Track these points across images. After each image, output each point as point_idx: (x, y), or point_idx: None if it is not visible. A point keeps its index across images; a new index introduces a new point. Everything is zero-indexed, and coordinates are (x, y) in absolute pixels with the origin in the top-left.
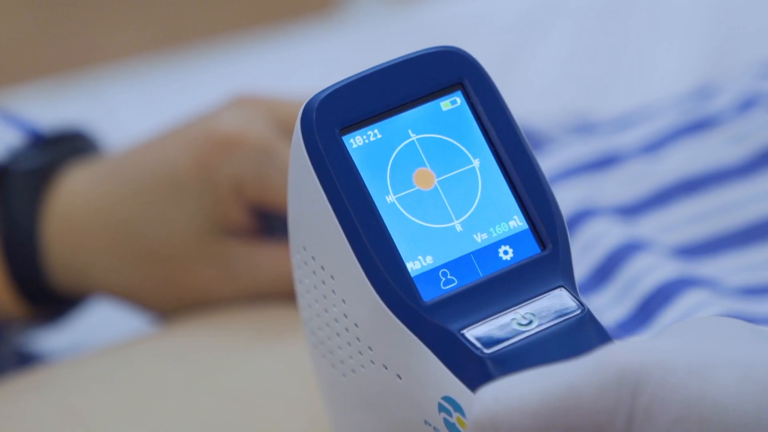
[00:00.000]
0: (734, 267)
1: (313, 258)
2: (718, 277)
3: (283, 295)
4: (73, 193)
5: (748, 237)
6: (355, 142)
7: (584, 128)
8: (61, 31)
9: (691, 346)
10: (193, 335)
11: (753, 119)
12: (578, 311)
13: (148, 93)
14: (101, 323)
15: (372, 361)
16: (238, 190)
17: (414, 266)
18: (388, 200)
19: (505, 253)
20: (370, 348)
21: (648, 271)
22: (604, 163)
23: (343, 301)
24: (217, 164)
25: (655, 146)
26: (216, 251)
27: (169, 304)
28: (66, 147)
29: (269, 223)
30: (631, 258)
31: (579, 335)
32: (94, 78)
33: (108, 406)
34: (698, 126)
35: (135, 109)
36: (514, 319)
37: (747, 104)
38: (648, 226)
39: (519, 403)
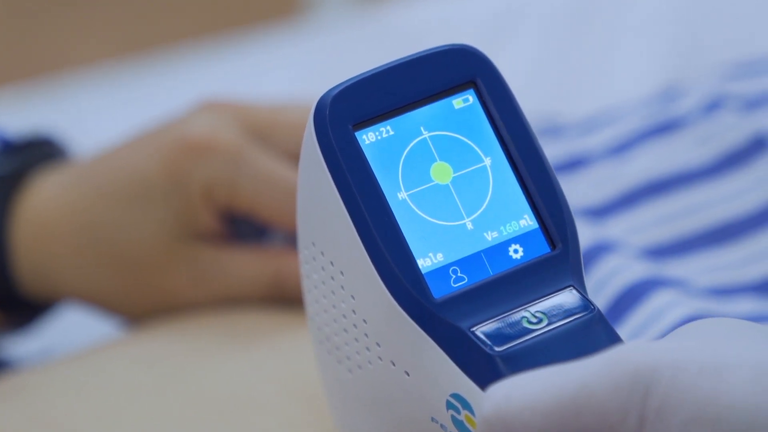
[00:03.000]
0: (702, 268)
1: (322, 253)
2: (687, 277)
3: (254, 299)
4: (42, 199)
5: (716, 238)
6: (368, 138)
7: (551, 131)
8: (29, 37)
9: (702, 346)
10: (163, 340)
11: (718, 121)
12: (588, 311)
13: (116, 98)
14: (71, 329)
15: (380, 358)
16: (207, 195)
17: (425, 263)
18: (399, 197)
19: (516, 251)
20: (378, 344)
21: (617, 272)
22: (572, 165)
23: (353, 297)
24: (186, 169)
25: (621, 148)
26: (186, 256)
27: (139, 309)
28: (34, 153)
29: (239, 228)
30: (600, 259)
31: (589, 335)
32: (62, 84)
33: (79, 413)
34: (664, 128)
35: (103, 114)
36: (524, 317)
37: (712, 106)
38: (616, 228)
39: (530, 401)
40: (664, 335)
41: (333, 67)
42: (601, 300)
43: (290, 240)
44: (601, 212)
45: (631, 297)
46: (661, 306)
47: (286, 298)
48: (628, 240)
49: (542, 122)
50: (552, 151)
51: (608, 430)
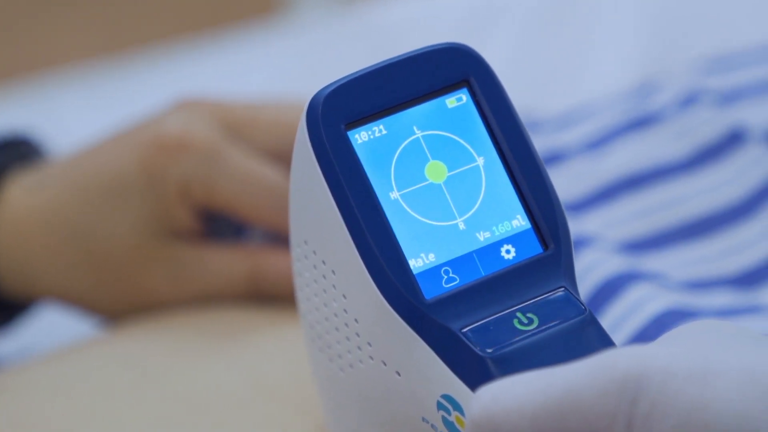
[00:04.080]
0: (679, 261)
1: (314, 252)
2: (664, 271)
3: (231, 296)
4: (18, 199)
5: (692, 232)
6: (360, 137)
7: (528, 126)
8: (5, 37)
9: (691, 351)
10: (141, 339)
11: (695, 115)
12: (580, 313)
13: (93, 98)
14: (49, 328)
15: (371, 357)
16: (184, 193)
17: (416, 263)
18: (391, 197)
19: (508, 252)
20: (369, 344)
21: (594, 267)
22: (548, 161)
23: (344, 296)
24: (163, 167)
25: (598, 143)
26: (163, 254)
27: (117, 308)
28: (11, 153)
29: (217, 226)
30: (577, 254)
31: (580, 337)
32: (39, 83)
33: (57, 413)
34: (641, 123)
35: (80, 114)
36: (515, 318)
37: (688, 100)
38: (593, 223)
39: (518, 404)
40: (641, 329)
41: (312, 66)
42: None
43: (268, 237)
44: (578, 207)
45: (608, 291)
46: (638, 299)
47: (263, 296)
48: (605, 234)
49: None
50: None
51: None
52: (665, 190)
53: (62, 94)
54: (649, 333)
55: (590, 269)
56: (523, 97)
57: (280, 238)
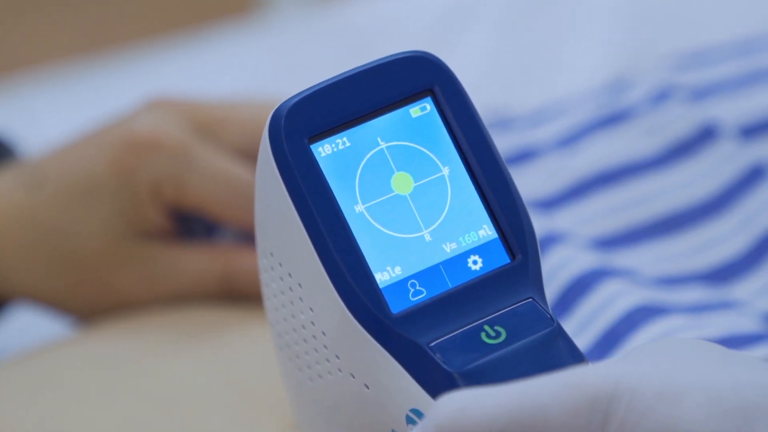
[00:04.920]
0: (651, 257)
1: (280, 264)
2: (635, 267)
3: (204, 296)
4: None
5: (664, 228)
6: (324, 150)
7: (500, 124)
8: None
9: (659, 370)
10: (113, 339)
11: (667, 111)
12: (548, 325)
13: (67, 98)
14: (21, 329)
15: (339, 369)
16: (155, 193)
17: (383, 277)
18: (356, 210)
19: (475, 263)
20: (337, 356)
21: (566, 263)
22: (521, 157)
23: (311, 309)
24: (134, 167)
25: (570, 140)
26: (135, 254)
27: (89, 308)
28: None
29: (188, 226)
30: (549, 250)
31: (548, 350)
32: (12, 84)
33: (28, 413)
34: (613, 119)
35: (55, 115)
36: (483, 332)
37: (661, 97)
38: (565, 220)
39: (486, 419)
40: (612, 325)
41: (288, 66)
42: (550, 290)
43: (240, 236)
44: (550, 204)
45: (579, 287)
46: (610, 295)
47: (236, 295)
48: (577, 231)
49: (491, 115)
50: (501, 143)
51: None
52: (637, 187)
53: (36, 95)
54: (620, 329)
55: (562, 266)
56: (498, 94)
57: (252, 237)
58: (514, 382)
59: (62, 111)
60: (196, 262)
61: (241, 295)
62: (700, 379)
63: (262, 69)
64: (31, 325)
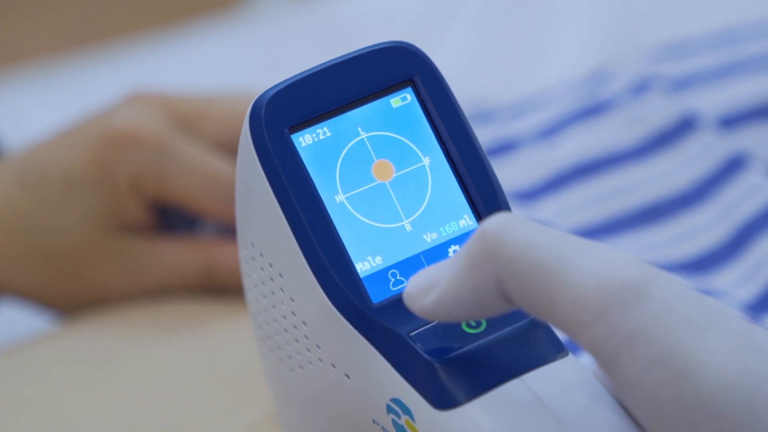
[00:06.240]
0: (632, 248)
1: (261, 254)
2: None
3: (185, 289)
4: None
5: (645, 218)
6: (304, 140)
7: (481, 115)
8: None
9: (698, 301)
10: (94, 333)
11: (647, 102)
12: (528, 315)
13: (51, 94)
14: (2, 323)
15: (320, 359)
16: (135, 186)
17: (363, 267)
18: (337, 200)
19: (455, 252)
20: (318, 347)
21: None
22: (502, 149)
23: (292, 299)
24: (113, 161)
25: (551, 131)
26: (115, 248)
27: (70, 302)
28: None
29: (169, 219)
30: None
31: (529, 340)
32: None
33: (10, 406)
34: (593, 110)
35: (37, 110)
36: (463, 321)
37: (641, 88)
38: (546, 211)
39: (524, 244)
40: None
41: (270, 60)
42: None
43: (221, 230)
44: (531, 195)
45: None
46: None
47: (216, 288)
48: (558, 222)
49: (472, 107)
50: (482, 135)
51: (577, 325)
52: (617, 177)
53: (17, 91)
54: None
55: None
56: (480, 86)
57: (232, 230)
58: (548, 230)
59: (46, 107)
60: (177, 255)
61: (222, 289)
62: (731, 322)
63: (245, 64)
64: (12, 320)
